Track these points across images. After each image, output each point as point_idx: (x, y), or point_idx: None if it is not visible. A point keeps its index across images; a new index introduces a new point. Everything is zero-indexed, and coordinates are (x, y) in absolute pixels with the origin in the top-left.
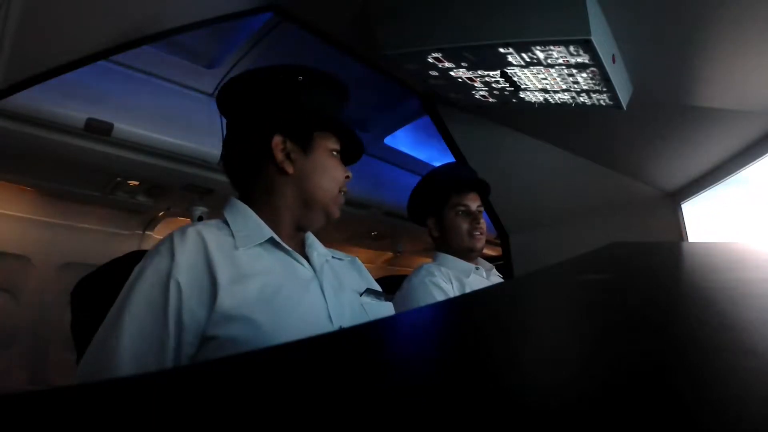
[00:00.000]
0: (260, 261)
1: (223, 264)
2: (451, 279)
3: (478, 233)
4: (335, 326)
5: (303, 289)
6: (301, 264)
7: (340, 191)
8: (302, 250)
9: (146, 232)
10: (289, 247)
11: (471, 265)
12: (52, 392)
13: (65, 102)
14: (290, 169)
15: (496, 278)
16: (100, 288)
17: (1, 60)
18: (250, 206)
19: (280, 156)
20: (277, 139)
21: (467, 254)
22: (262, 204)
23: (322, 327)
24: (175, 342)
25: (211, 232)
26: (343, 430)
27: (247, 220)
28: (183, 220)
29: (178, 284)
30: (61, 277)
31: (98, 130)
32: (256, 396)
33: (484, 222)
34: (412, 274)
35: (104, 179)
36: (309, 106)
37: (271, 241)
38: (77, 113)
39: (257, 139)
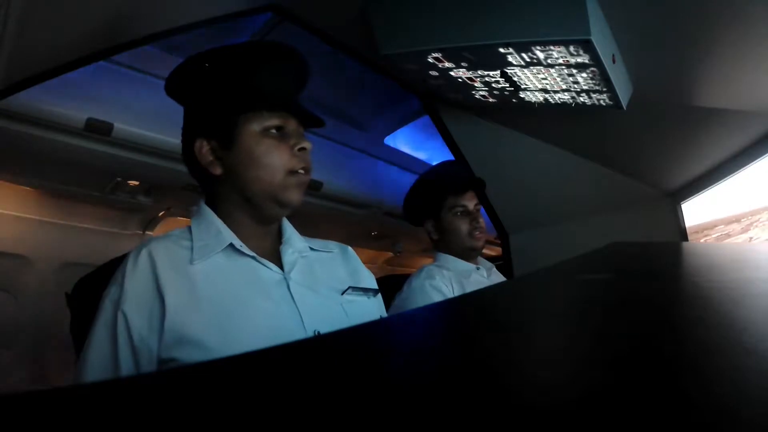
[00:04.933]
0: (218, 273)
1: (173, 284)
2: (452, 281)
3: (478, 232)
4: (309, 332)
5: (266, 296)
6: (267, 267)
7: (290, 172)
8: (276, 247)
9: (146, 232)
10: (258, 246)
11: (472, 266)
12: (52, 392)
13: (65, 102)
14: (217, 171)
15: (497, 278)
16: (100, 288)
17: (1, 60)
18: (215, 208)
19: (205, 160)
20: (197, 143)
21: (468, 254)
22: (219, 207)
23: (293, 334)
24: (133, 368)
25: (167, 248)
26: None
27: (209, 227)
28: (183, 220)
29: (124, 314)
30: (61, 277)
31: (98, 130)
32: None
33: (483, 220)
34: (413, 276)
35: (104, 179)
36: (218, 93)
37: (232, 247)
38: (77, 113)
39: (186, 146)
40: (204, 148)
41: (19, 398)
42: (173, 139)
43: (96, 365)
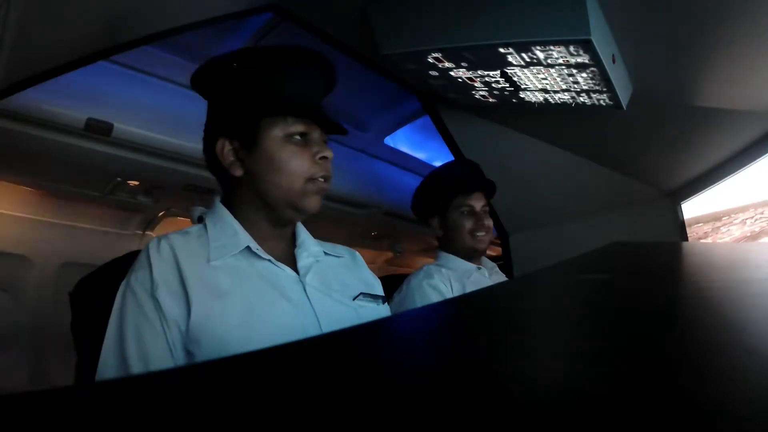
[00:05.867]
0: (235, 274)
1: (195, 281)
2: (451, 280)
3: (481, 233)
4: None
5: (284, 298)
6: (283, 270)
7: (310, 180)
8: (290, 250)
9: (146, 232)
10: (273, 248)
11: (473, 266)
12: (52, 392)
13: (65, 102)
14: (238, 172)
15: (498, 278)
16: (100, 288)
17: (1, 60)
18: (229, 207)
19: (227, 160)
20: (220, 143)
21: (471, 254)
22: (236, 207)
23: (312, 335)
24: (171, 351)
25: (186, 243)
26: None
27: (225, 227)
28: (183, 220)
29: (158, 300)
30: (61, 277)
31: (98, 130)
32: (241, 400)
33: (490, 222)
34: (412, 275)
35: (104, 179)
36: (245, 94)
37: (248, 249)
38: (77, 113)
39: (208, 145)
40: (226, 148)
41: (19, 398)
42: (173, 139)
43: (141, 348)
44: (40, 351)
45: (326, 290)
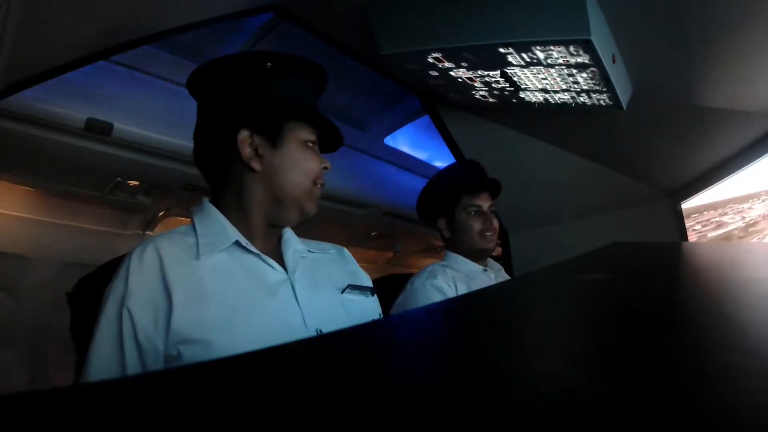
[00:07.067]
0: (223, 270)
1: (180, 281)
2: (456, 281)
3: (490, 233)
4: (311, 330)
5: (271, 295)
6: (271, 266)
7: (315, 184)
8: (277, 248)
9: (146, 232)
10: (263, 246)
11: (479, 267)
12: (52, 392)
13: (65, 102)
14: (258, 166)
15: (504, 280)
16: (100, 288)
17: (1, 60)
18: (220, 205)
19: (247, 152)
20: (243, 134)
21: (478, 254)
22: (232, 203)
23: (297, 332)
24: (139, 366)
25: (173, 244)
26: None
27: (214, 224)
28: (183, 220)
29: (129, 312)
30: (61, 277)
31: (98, 130)
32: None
33: (497, 222)
34: (416, 276)
35: (104, 179)
36: (277, 95)
37: (237, 244)
38: (77, 113)
39: (223, 134)
40: (248, 141)
41: (19, 398)
42: (173, 139)
43: (101, 363)
44: (40, 351)
45: (313, 286)
